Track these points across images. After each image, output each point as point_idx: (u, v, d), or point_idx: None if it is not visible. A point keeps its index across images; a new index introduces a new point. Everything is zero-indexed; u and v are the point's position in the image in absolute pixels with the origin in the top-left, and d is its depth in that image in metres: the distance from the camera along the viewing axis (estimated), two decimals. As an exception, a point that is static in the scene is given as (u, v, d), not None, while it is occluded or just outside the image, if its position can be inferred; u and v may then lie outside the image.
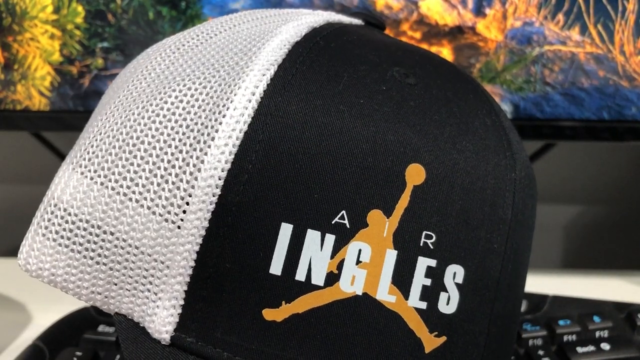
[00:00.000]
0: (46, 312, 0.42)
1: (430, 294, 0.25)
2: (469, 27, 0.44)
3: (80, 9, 0.45)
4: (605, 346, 0.37)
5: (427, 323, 0.25)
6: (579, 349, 0.37)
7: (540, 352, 0.37)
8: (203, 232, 0.24)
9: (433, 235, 0.25)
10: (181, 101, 0.25)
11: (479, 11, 0.44)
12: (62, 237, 0.26)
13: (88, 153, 0.26)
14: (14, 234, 0.65)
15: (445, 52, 0.45)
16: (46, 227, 0.26)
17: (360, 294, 0.24)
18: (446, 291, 0.25)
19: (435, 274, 0.25)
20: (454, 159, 0.26)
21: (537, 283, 0.45)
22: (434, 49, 0.45)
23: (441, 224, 0.25)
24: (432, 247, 0.25)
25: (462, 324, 0.26)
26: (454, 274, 0.25)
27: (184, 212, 0.24)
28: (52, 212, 0.26)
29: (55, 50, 0.46)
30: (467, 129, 0.27)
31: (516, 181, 0.27)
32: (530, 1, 0.43)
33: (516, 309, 0.29)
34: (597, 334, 0.38)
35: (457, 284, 0.25)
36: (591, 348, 0.37)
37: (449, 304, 0.25)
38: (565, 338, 0.38)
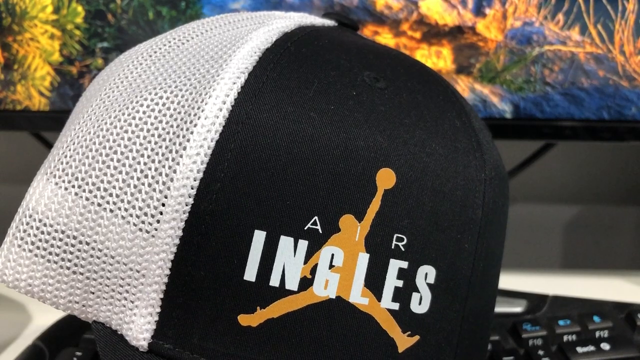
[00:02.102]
0: (46, 312, 0.42)
1: (403, 295, 0.25)
2: (469, 27, 0.44)
3: (80, 9, 0.45)
4: (605, 346, 0.37)
5: (399, 323, 0.25)
6: (579, 349, 0.37)
7: (540, 352, 0.37)
8: (177, 241, 0.25)
9: (404, 237, 0.25)
10: (153, 110, 0.26)
11: (478, 11, 0.44)
12: (37, 247, 0.26)
13: (62, 163, 0.26)
14: (14, 234, 0.65)
15: (445, 52, 0.45)
16: (22, 238, 0.26)
17: (334, 297, 0.25)
18: (418, 291, 0.26)
19: (407, 276, 0.25)
20: (423, 162, 0.26)
21: (537, 283, 0.45)
22: (433, 49, 0.45)
23: (412, 227, 0.25)
24: (403, 249, 0.25)
25: (435, 323, 0.26)
26: (426, 274, 0.26)
27: (158, 221, 0.25)
28: (27, 223, 0.26)
29: (55, 51, 0.46)
30: (437, 131, 0.27)
31: (486, 181, 0.28)
32: (530, 1, 0.43)
33: (489, 307, 0.30)
34: (597, 334, 0.38)
35: (428, 284, 0.26)
36: (591, 348, 0.37)
37: (421, 303, 0.26)
38: (565, 338, 0.38)
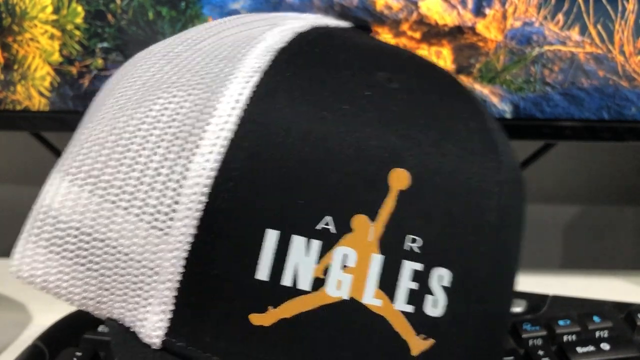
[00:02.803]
0: (46, 312, 0.42)
1: (417, 297, 0.25)
2: (469, 27, 0.44)
3: (80, 9, 0.45)
4: (605, 346, 0.37)
5: (414, 326, 0.25)
6: (579, 349, 0.37)
7: (540, 352, 0.37)
8: (190, 239, 0.25)
9: (418, 239, 0.25)
10: (166, 109, 0.26)
11: (478, 11, 0.44)
12: (53, 244, 0.26)
13: (76, 161, 0.27)
14: (14, 234, 0.65)
15: (445, 52, 0.45)
16: (37, 235, 0.27)
17: (347, 298, 0.24)
18: (432, 294, 0.25)
19: (421, 278, 0.25)
20: (438, 163, 0.26)
21: (537, 283, 0.45)
22: (433, 49, 0.45)
23: (426, 228, 0.25)
24: (417, 250, 0.25)
25: (450, 326, 0.26)
26: (440, 277, 0.25)
27: (171, 219, 0.25)
28: (42, 220, 0.27)
29: (55, 51, 0.46)
30: (451, 132, 0.27)
31: (502, 183, 0.27)
32: (530, 1, 0.43)
33: (505, 310, 0.29)
34: (597, 334, 0.38)
35: (443, 287, 0.25)
36: (591, 348, 0.37)
37: (435, 306, 0.25)
38: (565, 338, 0.38)
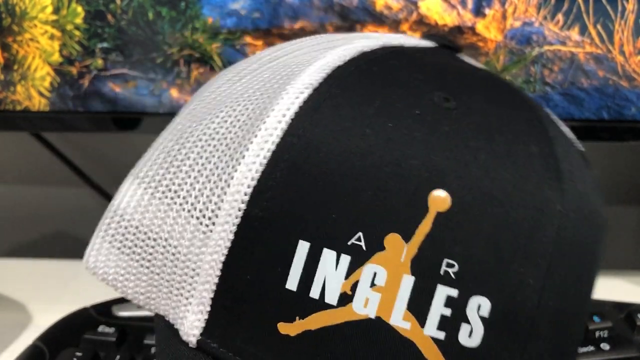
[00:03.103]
0: (46, 312, 0.42)
1: (450, 324, 0.24)
2: (469, 27, 0.44)
3: (79, 9, 0.45)
4: (605, 346, 0.37)
5: (445, 354, 0.24)
6: (579, 349, 0.37)
7: (540, 352, 0.37)
8: (228, 244, 0.25)
9: (455, 264, 0.24)
10: (225, 121, 0.27)
11: (478, 11, 0.44)
12: (115, 239, 0.28)
13: (145, 165, 0.29)
14: (14, 234, 0.65)
15: (445, 52, 0.45)
16: (105, 230, 0.29)
17: (373, 317, 0.24)
18: (468, 323, 0.24)
19: (457, 305, 0.24)
20: (485, 187, 0.25)
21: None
22: (433, 49, 0.45)
23: (466, 254, 0.24)
24: (453, 276, 0.24)
25: (486, 358, 0.24)
26: (479, 306, 0.24)
27: (214, 224, 0.26)
28: (111, 217, 0.29)
29: (55, 51, 0.46)
30: (506, 156, 0.26)
31: (563, 214, 0.26)
32: (529, 1, 0.43)
33: (562, 350, 0.27)
34: (597, 334, 0.38)
35: (481, 317, 0.24)
36: (591, 348, 0.37)
37: (471, 336, 0.24)
38: (565, 338, 0.38)
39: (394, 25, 0.44)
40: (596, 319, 0.39)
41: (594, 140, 0.46)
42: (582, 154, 0.30)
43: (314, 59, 0.28)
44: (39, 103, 0.47)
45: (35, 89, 0.47)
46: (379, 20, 0.44)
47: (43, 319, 0.42)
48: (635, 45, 0.44)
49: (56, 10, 0.45)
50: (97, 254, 0.29)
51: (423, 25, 0.44)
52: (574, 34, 0.44)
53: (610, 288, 0.47)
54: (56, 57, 0.46)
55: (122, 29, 0.45)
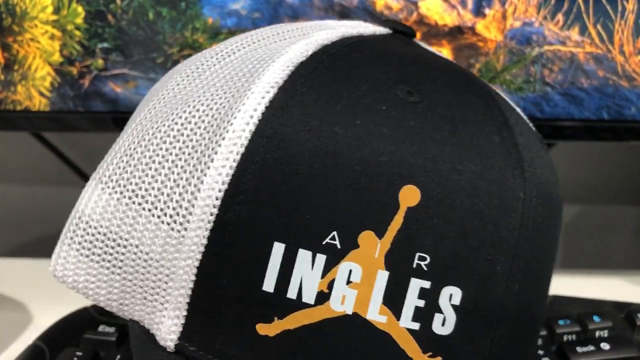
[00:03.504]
0: (46, 312, 0.42)
1: (424, 315, 0.25)
2: (469, 27, 0.44)
3: (80, 9, 0.45)
4: (605, 346, 0.37)
5: (420, 343, 0.25)
6: (579, 349, 0.37)
7: (540, 352, 0.37)
8: (202, 249, 0.25)
9: (427, 256, 0.25)
10: (189, 122, 0.27)
11: (478, 11, 0.44)
12: (83, 247, 0.28)
13: (108, 169, 0.28)
14: (14, 234, 0.65)
15: (445, 52, 0.45)
16: (71, 238, 0.28)
17: (351, 313, 0.25)
18: (441, 312, 0.25)
19: (430, 296, 0.25)
20: (452, 180, 0.25)
21: (537, 283, 0.44)
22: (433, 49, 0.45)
23: (436, 246, 0.25)
24: (425, 268, 0.25)
25: (459, 345, 0.25)
26: (450, 295, 0.25)
27: (185, 229, 0.25)
28: (76, 224, 0.28)
29: (56, 51, 0.46)
30: (470, 147, 0.26)
31: (526, 201, 0.27)
32: (529, 1, 0.43)
33: (527, 331, 0.29)
34: (597, 333, 0.38)
35: (453, 306, 0.25)
36: (591, 348, 0.37)
37: (444, 325, 0.25)
38: (565, 338, 0.38)
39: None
40: (596, 319, 0.39)
41: (594, 140, 0.46)
42: (539, 138, 0.31)
43: (275, 55, 0.28)
44: (39, 103, 0.47)
45: (36, 88, 0.47)
46: (379, 20, 0.44)
47: (43, 319, 0.42)
48: (635, 45, 0.44)
49: (56, 10, 0.45)
50: (65, 262, 0.28)
51: (423, 25, 0.44)
52: (574, 34, 0.44)
53: (610, 288, 0.47)
54: (56, 57, 0.46)
55: (122, 29, 0.45)
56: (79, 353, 0.36)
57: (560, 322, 0.39)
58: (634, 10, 0.43)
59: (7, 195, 0.64)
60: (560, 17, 0.44)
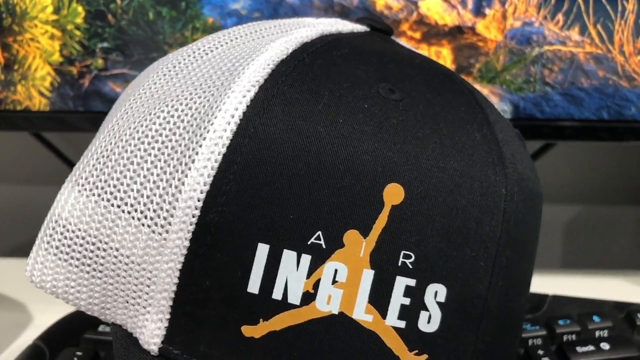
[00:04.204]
0: (46, 312, 0.42)
1: (410, 313, 0.25)
2: (469, 27, 0.44)
3: (80, 9, 0.45)
4: (605, 346, 0.37)
5: (406, 341, 0.25)
6: (579, 349, 0.37)
7: (540, 352, 0.37)
8: (184, 251, 0.25)
9: (412, 254, 0.25)
10: (168, 122, 0.26)
11: (478, 11, 0.44)
12: (61, 251, 0.27)
13: (85, 171, 0.27)
14: (14, 234, 0.65)
15: (445, 52, 0.45)
16: (48, 242, 0.27)
17: (337, 313, 0.25)
18: (427, 310, 0.25)
19: (415, 293, 0.25)
20: (435, 177, 0.25)
21: (537, 283, 0.44)
22: (433, 49, 0.45)
23: (421, 244, 0.25)
24: (410, 266, 0.25)
25: (445, 342, 0.26)
26: (435, 292, 0.25)
27: (167, 231, 0.25)
28: (53, 228, 0.27)
29: (55, 51, 0.46)
30: (453, 145, 0.26)
31: (507, 197, 0.27)
32: (529, 1, 0.43)
33: (512, 327, 0.29)
34: (597, 333, 0.38)
35: (438, 303, 0.25)
36: (591, 348, 0.37)
37: (430, 322, 0.25)
38: (565, 338, 0.38)
39: (394, 25, 0.44)
40: (596, 318, 0.39)
41: (594, 140, 0.46)
42: (518, 134, 0.31)
43: (254, 53, 0.27)
44: (39, 103, 0.47)
45: (36, 88, 0.47)
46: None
47: (43, 318, 0.42)
48: (635, 45, 0.44)
49: (56, 10, 0.45)
50: (43, 267, 0.27)
51: (423, 25, 0.44)
52: (574, 34, 0.44)
53: (610, 288, 0.47)
54: (56, 57, 0.46)
55: (122, 28, 0.45)
56: (79, 353, 0.36)
57: (560, 322, 0.39)
58: (634, 10, 0.43)
59: (7, 195, 0.64)
60: (560, 17, 0.44)
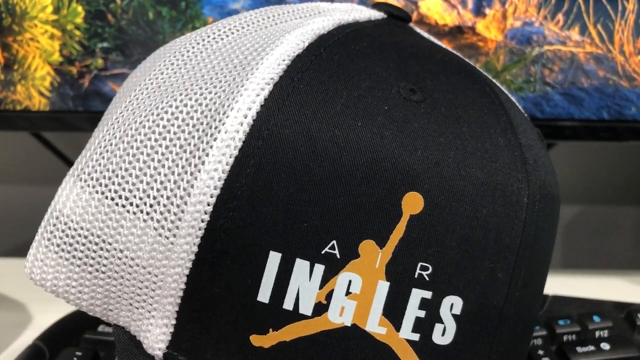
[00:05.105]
0: (46, 312, 0.42)
1: (424, 325, 0.24)
2: (469, 27, 0.44)
3: (80, 9, 0.45)
4: (605, 346, 0.37)
5: (419, 354, 0.24)
6: (579, 349, 0.37)
7: (540, 352, 0.37)
8: (192, 257, 0.24)
9: (429, 266, 0.24)
10: (177, 118, 0.25)
11: (478, 11, 0.44)
12: (62, 249, 0.26)
13: (88, 166, 0.26)
14: (14, 234, 0.65)
15: (445, 52, 0.45)
16: (48, 239, 0.26)
17: (349, 325, 0.24)
18: (442, 322, 0.24)
19: (430, 306, 0.24)
20: (456, 186, 0.24)
21: (537, 283, 0.44)
22: (433, 49, 0.45)
23: (439, 255, 0.24)
24: (427, 278, 0.24)
25: (459, 354, 0.25)
26: (451, 305, 0.24)
27: (174, 235, 0.24)
28: (53, 225, 0.26)
29: (55, 51, 0.46)
30: (475, 151, 0.25)
31: (529, 205, 0.26)
32: (530, 1, 0.43)
33: (524, 334, 0.28)
34: (597, 333, 0.38)
35: (454, 315, 0.24)
36: (591, 348, 0.37)
37: (444, 335, 0.24)
38: (565, 338, 0.38)
39: (394, 25, 0.44)
40: (596, 319, 0.39)
41: (594, 140, 0.46)
42: (539, 134, 0.30)
43: (268, 46, 0.26)
44: (39, 103, 0.47)
45: (36, 88, 0.47)
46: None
47: (43, 319, 0.42)
48: (635, 45, 0.44)
49: (56, 10, 0.45)
50: (43, 264, 0.26)
51: (423, 24, 0.44)
52: (574, 34, 0.44)
53: (610, 288, 0.47)
54: (56, 57, 0.46)
55: (122, 28, 0.45)
56: (78, 353, 0.36)
57: (560, 322, 0.39)
58: (634, 10, 0.43)
59: (7, 195, 0.64)
60: (560, 17, 0.44)
